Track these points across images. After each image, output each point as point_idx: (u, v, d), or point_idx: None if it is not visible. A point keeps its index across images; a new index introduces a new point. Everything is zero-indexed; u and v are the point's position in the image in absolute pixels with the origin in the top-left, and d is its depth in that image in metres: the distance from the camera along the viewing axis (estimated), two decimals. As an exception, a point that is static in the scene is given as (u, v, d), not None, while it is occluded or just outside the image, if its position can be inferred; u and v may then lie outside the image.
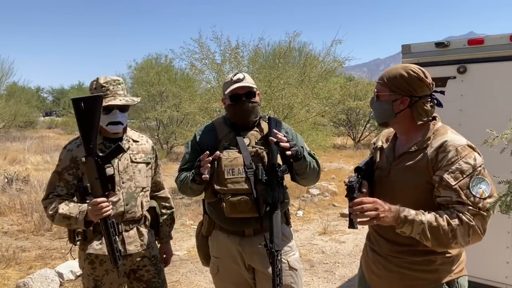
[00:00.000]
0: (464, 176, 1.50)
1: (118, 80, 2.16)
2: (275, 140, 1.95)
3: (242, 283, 2.17)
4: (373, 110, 1.78)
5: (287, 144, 1.95)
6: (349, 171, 10.71)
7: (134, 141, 2.28)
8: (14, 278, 4.25)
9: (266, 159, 2.02)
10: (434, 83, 1.67)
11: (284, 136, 1.98)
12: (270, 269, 1.88)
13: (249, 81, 2.12)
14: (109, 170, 1.97)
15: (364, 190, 1.65)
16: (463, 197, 1.48)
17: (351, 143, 19.19)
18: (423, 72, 1.64)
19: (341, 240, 5.69)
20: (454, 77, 3.17)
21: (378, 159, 1.81)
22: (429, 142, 1.62)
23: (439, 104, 1.68)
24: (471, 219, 1.47)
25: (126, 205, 2.15)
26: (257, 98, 2.15)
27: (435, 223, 1.47)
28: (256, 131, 2.14)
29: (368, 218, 1.48)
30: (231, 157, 2.02)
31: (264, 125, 2.16)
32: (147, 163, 2.29)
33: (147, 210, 2.30)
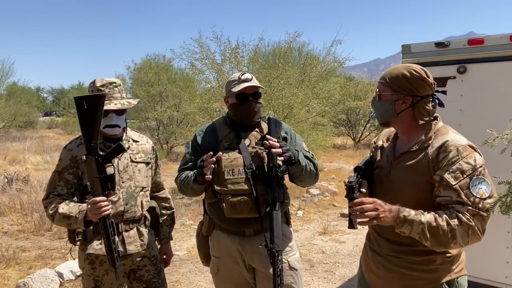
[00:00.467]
0: (465, 176, 1.50)
1: (115, 83, 2.15)
2: (268, 145, 1.97)
3: (242, 283, 2.17)
4: (374, 110, 1.78)
5: (279, 150, 1.96)
6: (349, 171, 10.71)
7: (134, 141, 2.28)
8: (14, 278, 4.25)
9: (266, 160, 2.02)
10: (435, 82, 1.67)
11: (277, 141, 1.99)
12: (270, 269, 1.88)
13: (256, 82, 2.13)
14: (109, 170, 1.97)
15: (363, 189, 1.65)
16: (463, 197, 1.49)
17: (351, 143, 19.20)
18: (425, 72, 1.64)
19: (341, 240, 5.69)
20: (454, 77, 3.17)
21: (378, 158, 1.81)
22: (430, 141, 1.62)
23: (441, 104, 1.68)
24: (470, 219, 1.47)
25: (126, 204, 2.15)
26: (261, 99, 2.16)
27: (434, 223, 1.47)
28: (256, 131, 2.15)
29: (368, 219, 1.48)
30: (231, 158, 2.02)
31: (264, 126, 2.16)
32: (147, 163, 2.29)
33: (147, 210, 2.30)
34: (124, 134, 2.24)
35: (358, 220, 1.51)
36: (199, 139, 2.18)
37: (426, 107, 1.63)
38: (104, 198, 1.90)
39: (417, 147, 1.64)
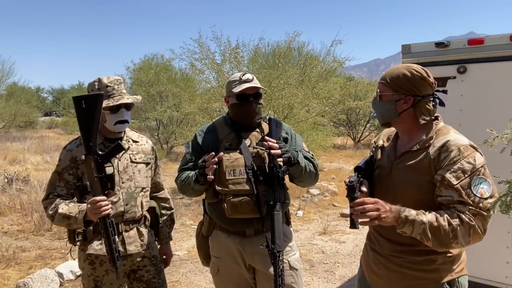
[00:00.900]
0: (466, 175, 1.50)
1: (120, 80, 2.19)
2: (268, 146, 1.97)
3: (242, 283, 2.17)
4: (375, 110, 1.77)
5: (278, 151, 1.96)
6: (349, 171, 10.71)
7: (133, 141, 2.28)
8: (14, 278, 4.25)
9: (267, 160, 2.02)
10: (436, 82, 1.67)
11: (277, 142, 1.99)
12: (271, 269, 1.88)
13: (257, 82, 2.13)
14: (109, 170, 1.97)
15: (364, 189, 1.65)
16: (464, 196, 1.49)
17: (351, 143, 19.19)
18: (426, 72, 1.64)
19: (341, 240, 5.69)
20: (454, 77, 3.17)
21: (379, 158, 1.81)
22: (431, 141, 1.62)
23: (442, 104, 1.69)
24: (471, 219, 1.47)
25: (126, 205, 2.15)
26: (261, 100, 2.16)
27: (435, 223, 1.47)
28: (257, 131, 2.15)
29: (370, 219, 1.48)
30: (232, 158, 2.02)
31: (265, 126, 2.16)
32: (147, 163, 2.29)
33: (147, 211, 2.30)
34: (124, 134, 2.24)
35: (360, 220, 1.51)
36: (199, 139, 2.18)
37: (427, 106, 1.63)
38: (104, 197, 1.89)
39: (418, 147, 1.63)
